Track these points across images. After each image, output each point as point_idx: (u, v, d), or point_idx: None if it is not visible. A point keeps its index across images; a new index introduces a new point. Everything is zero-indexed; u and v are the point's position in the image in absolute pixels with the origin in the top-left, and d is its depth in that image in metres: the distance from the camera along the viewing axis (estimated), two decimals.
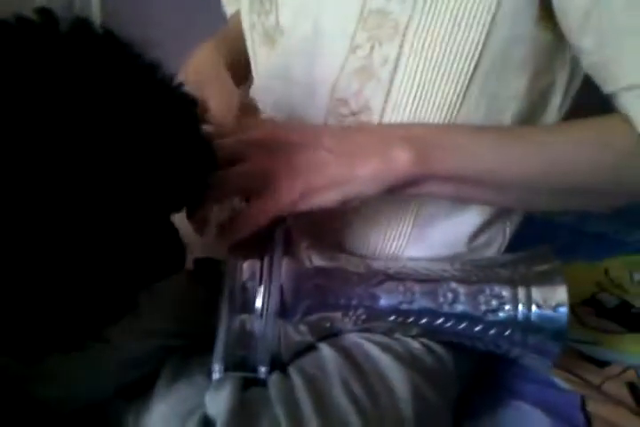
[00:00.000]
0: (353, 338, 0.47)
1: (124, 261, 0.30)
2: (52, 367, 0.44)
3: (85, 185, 0.27)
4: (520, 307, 0.45)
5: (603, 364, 0.61)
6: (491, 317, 0.46)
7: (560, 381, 0.56)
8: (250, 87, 0.58)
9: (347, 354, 0.45)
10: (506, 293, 0.46)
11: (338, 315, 0.46)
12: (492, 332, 0.46)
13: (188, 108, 0.33)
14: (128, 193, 0.28)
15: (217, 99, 0.47)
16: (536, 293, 0.45)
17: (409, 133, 0.42)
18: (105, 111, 0.27)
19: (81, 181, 0.26)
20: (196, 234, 0.40)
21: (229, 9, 0.68)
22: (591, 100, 0.50)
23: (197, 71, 0.52)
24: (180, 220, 0.46)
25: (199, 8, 0.97)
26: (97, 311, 0.31)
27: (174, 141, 0.30)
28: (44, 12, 0.29)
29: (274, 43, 0.50)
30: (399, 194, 0.42)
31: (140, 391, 0.42)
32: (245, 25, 0.54)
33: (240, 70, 0.57)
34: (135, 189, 0.29)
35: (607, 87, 0.40)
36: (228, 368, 0.40)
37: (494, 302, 0.46)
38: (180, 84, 0.33)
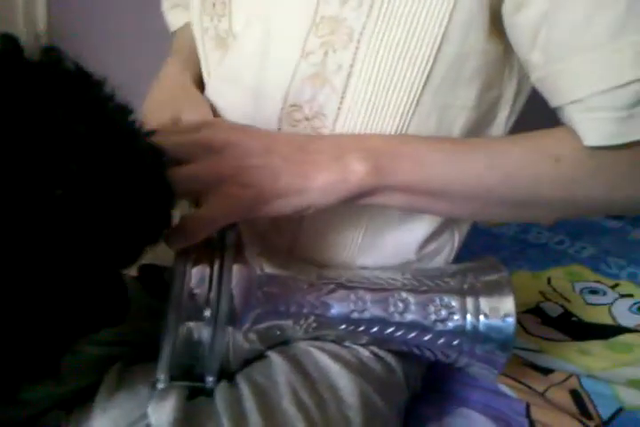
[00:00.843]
0: (303, 346, 0.47)
1: (64, 309, 0.29)
2: None
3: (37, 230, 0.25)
4: (468, 317, 0.46)
5: (547, 371, 0.62)
6: (440, 326, 0.46)
7: (506, 388, 0.57)
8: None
9: (296, 362, 0.45)
10: (455, 303, 0.47)
11: (289, 323, 0.45)
12: (441, 341, 0.47)
13: (155, 157, 0.32)
14: (81, 242, 0.27)
15: (190, 113, 0.46)
16: (484, 303, 0.46)
17: (365, 144, 0.42)
18: (66, 154, 0.26)
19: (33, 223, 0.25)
20: None
21: (175, 22, 0.67)
22: (535, 114, 0.51)
23: (167, 89, 0.51)
24: None
25: (140, 10, 0.96)
26: (23, 366, 0.30)
27: (134, 194, 0.29)
28: (9, 39, 0.27)
29: (226, 47, 0.49)
30: (352, 203, 0.42)
31: (79, 402, 0.40)
32: (197, 29, 0.53)
33: (200, 82, 0.56)
34: (89, 239, 0.28)
35: (554, 101, 0.41)
36: (173, 378, 0.39)
37: (443, 312, 0.46)
38: (148, 133, 0.32)
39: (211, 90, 0.52)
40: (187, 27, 0.62)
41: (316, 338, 0.47)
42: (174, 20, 0.67)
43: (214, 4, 0.49)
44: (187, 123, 0.45)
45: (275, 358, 0.45)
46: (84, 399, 0.40)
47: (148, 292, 0.49)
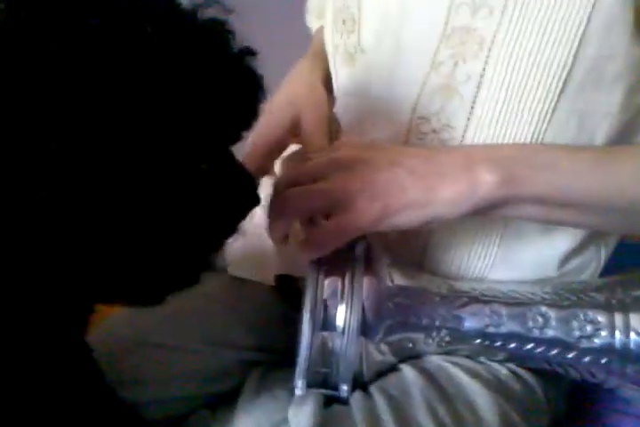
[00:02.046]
0: (436, 361, 0.46)
1: (203, 203, 0.31)
2: (139, 375, 0.46)
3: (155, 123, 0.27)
4: (617, 334, 0.42)
5: None
6: (585, 343, 0.43)
7: None
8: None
9: (430, 377, 0.44)
10: (602, 318, 0.43)
11: (420, 336, 0.45)
12: (587, 360, 0.44)
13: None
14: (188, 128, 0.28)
15: (308, 114, 0.48)
16: (635, 319, 0.42)
17: (496, 154, 0.41)
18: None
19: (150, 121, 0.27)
20: (276, 248, 0.41)
21: (314, 25, 0.69)
22: None
23: (294, 87, 0.54)
24: (261, 237, 0.47)
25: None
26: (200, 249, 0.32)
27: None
28: None
29: (355, 62, 0.51)
30: (483, 215, 0.41)
31: (223, 404, 0.43)
32: (329, 46, 0.55)
33: (329, 86, 0.58)
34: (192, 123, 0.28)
35: None
36: (309, 385, 0.40)
37: (589, 328, 0.43)
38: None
39: (339, 105, 0.54)
40: (321, 29, 0.65)
41: (450, 353, 0.47)
42: (311, 22, 0.70)
43: (344, 21, 0.51)
44: (320, 142, 0.46)
45: (408, 371, 0.44)
46: (227, 401, 0.42)
47: (285, 301, 0.51)
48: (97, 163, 0.26)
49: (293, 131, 0.48)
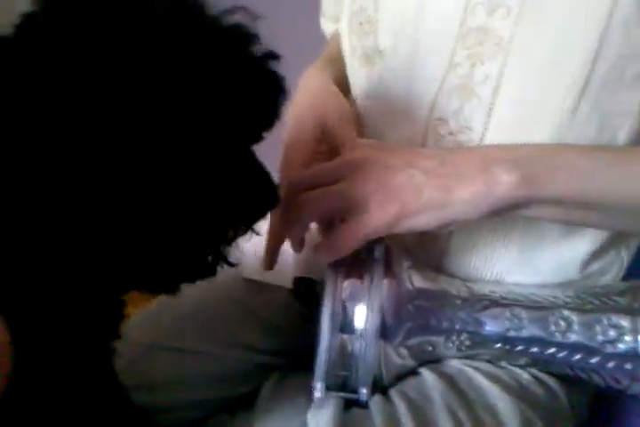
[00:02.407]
0: (456, 365, 0.45)
1: (225, 196, 0.32)
2: (155, 378, 0.46)
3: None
4: None
5: None
6: (609, 348, 0.43)
7: None
8: None
9: (450, 381, 0.43)
10: (625, 323, 0.43)
11: (440, 339, 0.44)
12: (611, 365, 0.43)
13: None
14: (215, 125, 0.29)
15: (336, 113, 0.48)
16: None
17: (514, 154, 0.40)
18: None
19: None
20: (294, 251, 0.41)
21: (328, 28, 0.70)
22: None
23: (312, 93, 0.54)
24: None
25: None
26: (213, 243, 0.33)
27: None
28: None
29: (373, 64, 0.51)
30: (502, 216, 0.41)
31: (242, 407, 0.42)
32: (346, 49, 0.55)
33: (346, 87, 0.58)
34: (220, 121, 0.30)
35: None
36: (329, 388, 0.40)
37: (612, 333, 0.43)
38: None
39: (357, 107, 0.54)
40: (337, 34, 0.64)
41: (471, 357, 0.46)
42: (326, 25, 0.69)
43: (361, 23, 0.51)
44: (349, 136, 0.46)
45: (427, 375, 0.44)
46: (246, 405, 0.42)
47: (303, 304, 0.51)
48: (123, 157, 0.27)
49: (323, 138, 0.48)
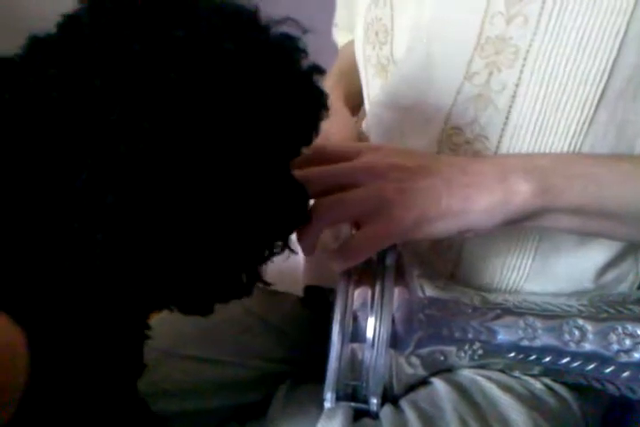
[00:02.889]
0: (468, 374, 0.45)
1: (260, 214, 0.31)
2: (169, 386, 0.46)
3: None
4: None
5: None
6: (624, 358, 0.42)
7: None
8: (361, 119, 0.58)
9: (462, 391, 0.43)
10: None
11: (452, 349, 0.44)
12: (626, 374, 0.42)
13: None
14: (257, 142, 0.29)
15: (338, 131, 0.48)
16: None
17: (532, 164, 0.40)
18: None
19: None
20: (305, 254, 0.41)
21: (340, 39, 0.70)
22: None
23: None
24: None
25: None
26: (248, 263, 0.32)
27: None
28: None
29: (387, 73, 0.51)
30: (518, 226, 0.40)
31: (253, 416, 0.42)
32: (360, 58, 0.55)
33: (354, 101, 0.58)
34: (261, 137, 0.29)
35: None
36: (339, 398, 0.40)
37: (628, 342, 0.42)
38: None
39: (370, 116, 0.54)
40: (349, 44, 0.64)
41: (483, 366, 0.45)
42: (339, 36, 0.70)
43: (377, 33, 0.51)
44: (347, 147, 0.46)
45: (439, 384, 0.44)
46: (257, 414, 0.42)
47: (314, 313, 0.51)
48: (163, 174, 0.26)
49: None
